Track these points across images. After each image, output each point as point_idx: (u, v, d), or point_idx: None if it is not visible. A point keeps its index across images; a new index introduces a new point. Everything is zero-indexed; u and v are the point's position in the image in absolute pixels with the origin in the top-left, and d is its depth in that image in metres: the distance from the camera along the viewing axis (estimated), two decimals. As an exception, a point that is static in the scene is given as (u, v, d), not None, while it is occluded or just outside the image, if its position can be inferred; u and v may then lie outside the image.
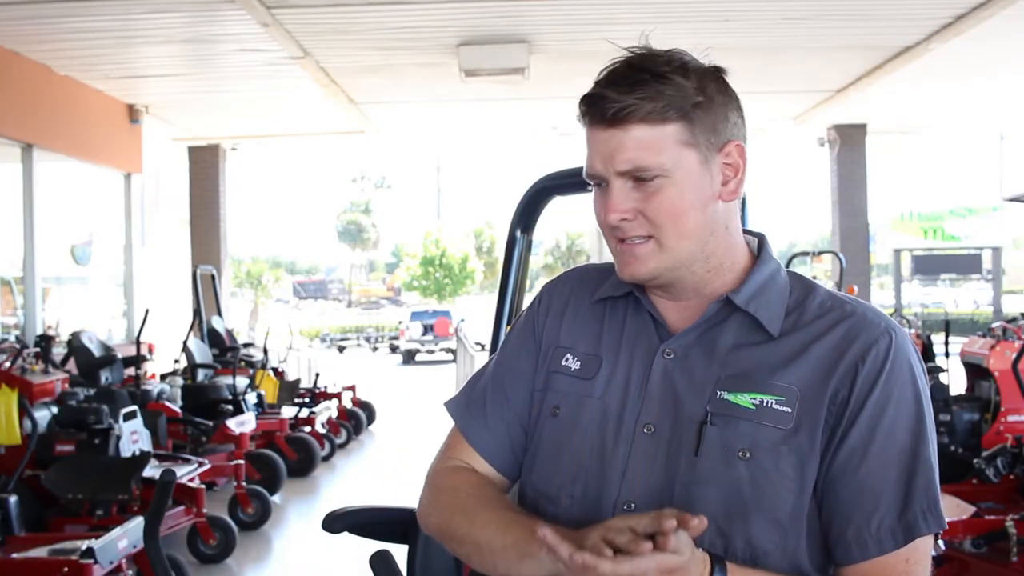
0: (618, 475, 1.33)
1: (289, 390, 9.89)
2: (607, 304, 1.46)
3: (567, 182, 2.33)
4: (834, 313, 1.34)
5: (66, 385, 6.29)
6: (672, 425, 1.33)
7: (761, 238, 1.44)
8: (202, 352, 9.46)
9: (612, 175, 1.32)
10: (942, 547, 4.56)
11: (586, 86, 1.39)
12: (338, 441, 9.81)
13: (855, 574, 1.27)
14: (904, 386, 1.29)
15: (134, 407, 6.16)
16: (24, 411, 5.41)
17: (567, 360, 1.44)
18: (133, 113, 10.70)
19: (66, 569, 4.25)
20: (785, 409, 1.28)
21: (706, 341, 1.36)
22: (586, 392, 1.40)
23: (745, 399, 1.30)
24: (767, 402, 1.29)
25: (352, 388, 11.42)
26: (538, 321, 1.52)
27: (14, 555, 4.46)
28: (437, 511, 1.46)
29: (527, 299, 1.86)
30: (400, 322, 27.57)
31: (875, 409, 1.27)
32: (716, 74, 1.35)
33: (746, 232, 1.44)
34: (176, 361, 9.53)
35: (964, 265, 21.61)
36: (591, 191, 1.43)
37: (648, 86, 1.29)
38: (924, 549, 1.27)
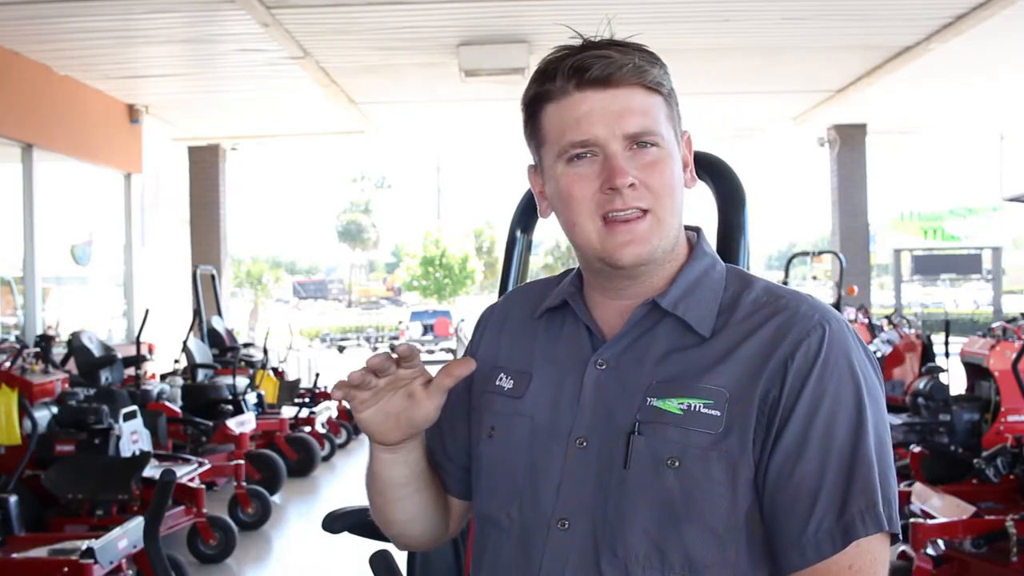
0: (552, 491, 1.29)
1: (289, 390, 9.90)
2: (545, 318, 1.41)
3: (567, 182, 2.33)
4: (766, 309, 1.27)
5: (66, 385, 6.29)
6: (603, 437, 1.28)
7: (699, 232, 1.39)
8: (202, 352, 9.46)
9: (615, 139, 1.25)
10: (942, 547, 4.56)
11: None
12: (338, 441, 9.81)
13: None
14: (841, 381, 1.21)
15: (134, 407, 6.16)
16: (24, 411, 5.41)
17: (500, 380, 1.40)
18: (133, 113, 10.70)
19: (66, 569, 4.25)
20: (714, 413, 1.22)
21: (639, 348, 1.30)
22: (515, 410, 1.36)
23: (673, 404, 1.24)
24: (695, 406, 1.23)
25: (352, 388, 11.40)
26: (474, 344, 1.49)
27: (14, 555, 4.47)
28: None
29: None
30: (400, 322, 27.61)
31: (808, 408, 1.20)
32: None
33: (686, 227, 1.39)
34: (176, 361, 9.53)
35: (964, 265, 21.62)
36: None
37: (640, 55, 1.27)
38: (871, 554, 1.19)
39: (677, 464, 1.22)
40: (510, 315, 1.47)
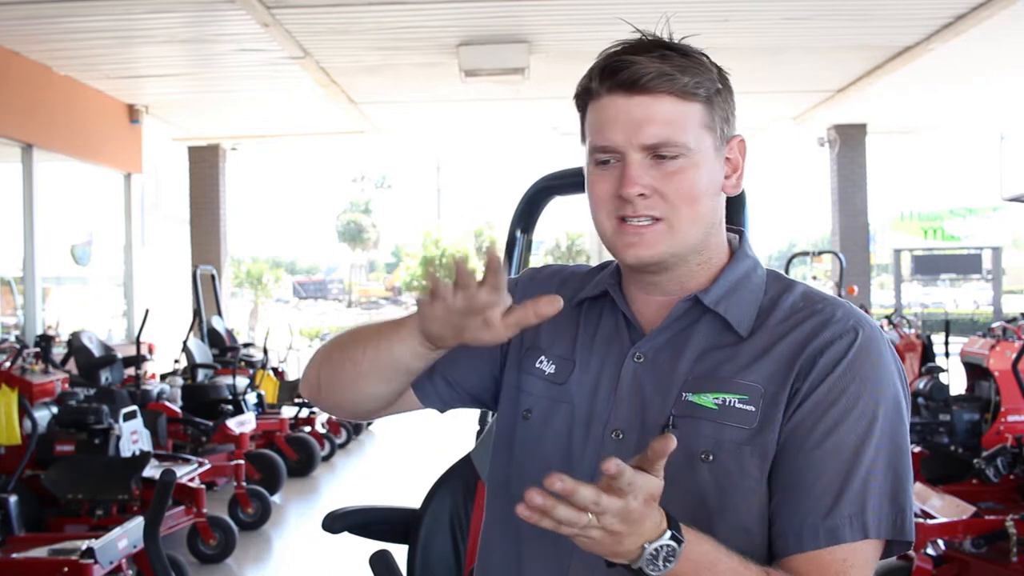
0: (586, 482, 1.31)
1: (289, 390, 9.89)
2: (584, 306, 1.42)
3: (567, 182, 2.34)
4: (803, 312, 1.29)
5: (66, 385, 6.29)
6: (640, 430, 1.29)
7: (742, 234, 1.40)
8: (202, 352, 9.45)
9: (632, 148, 1.26)
10: (942, 547, 4.56)
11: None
12: (338, 441, 9.80)
13: (789, 565, 1.21)
14: (862, 385, 1.23)
15: (134, 407, 6.15)
16: (24, 411, 5.41)
17: (541, 363, 1.41)
18: (133, 113, 10.70)
19: (66, 569, 4.24)
20: (749, 408, 1.24)
21: (677, 343, 1.32)
22: (557, 397, 1.37)
23: (708, 399, 1.26)
24: (730, 401, 1.25)
25: (352, 388, 11.40)
26: (518, 292, 1.44)
27: (14, 555, 4.46)
28: (314, 360, 1.43)
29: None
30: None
31: (821, 402, 1.22)
32: (724, 72, 1.35)
33: (728, 229, 1.40)
34: (176, 361, 9.52)
35: (964, 265, 21.59)
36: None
37: (679, 60, 1.28)
38: (865, 554, 1.20)
39: (711, 458, 1.24)
40: (562, 293, 1.47)
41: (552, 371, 1.39)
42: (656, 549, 1.08)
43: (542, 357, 1.41)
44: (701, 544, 1.13)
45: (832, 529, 1.19)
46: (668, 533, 1.08)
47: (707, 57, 1.32)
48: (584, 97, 1.32)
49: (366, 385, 1.36)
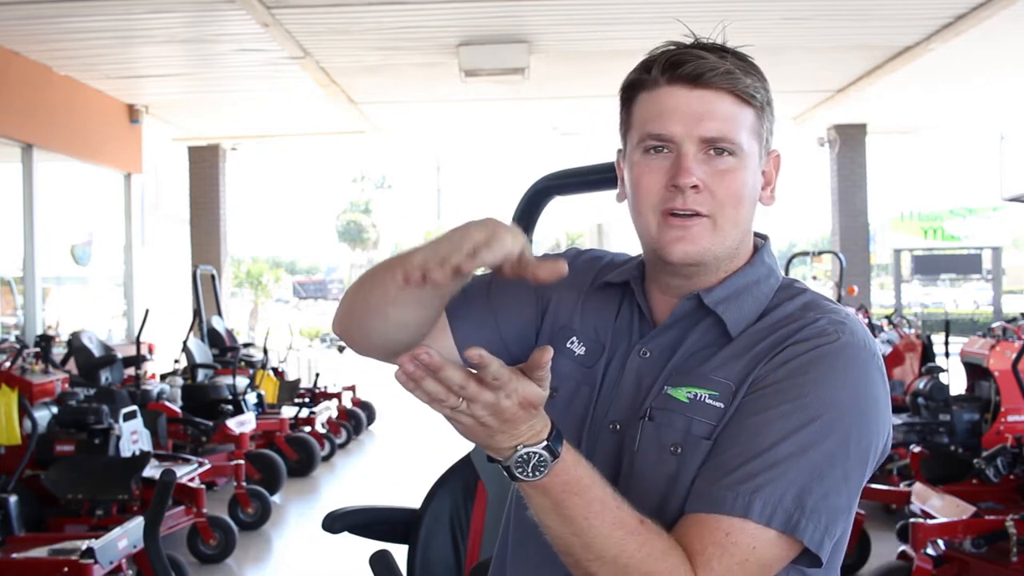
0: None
1: (289, 390, 9.89)
2: (605, 291, 1.44)
3: (567, 182, 2.33)
4: (793, 317, 1.29)
5: (66, 385, 6.29)
6: (629, 423, 1.32)
7: (765, 240, 1.40)
8: (202, 352, 9.46)
9: (690, 140, 1.27)
10: (942, 547, 4.56)
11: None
12: (338, 441, 9.81)
13: (681, 523, 1.21)
14: (815, 385, 1.21)
15: (134, 407, 6.15)
16: (24, 411, 5.41)
17: (572, 343, 1.41)
18: (133, 113, 10.70)
19: (66, 569, 4.25)
20: (717, 404, 1.25)
21: (677, 341, 1.33)
22: (585, 380, 1.39)
23: (682, 393, 1.27)
24: (700, 396, 1.26)
25: (352, 388, 11.42)
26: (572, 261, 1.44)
27: (14, 555, 4.46)
28: (346, 294, 1.44)
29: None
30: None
31: (768, 386, 1.22)
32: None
33: (756, 234, 1.41)
34: (176, 361, 9.52)
35: (964, 265, 21.59)
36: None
37: (741, 64, 1.29)
38: (754, 539, 1.16)
39: (679, 451, 1.26)
40: (592, 282, 1.47)
41: (582, 353, 1.41)
42: (528, 454, 1.09)
43: (573, 337, 1.42)
44: (579, 468, 1.14)
45: (716, 496, 1.18)
46: (544, 443, 1.10)
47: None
48: (636, 88, 1.32)
49: (396, 311, 1.35)
